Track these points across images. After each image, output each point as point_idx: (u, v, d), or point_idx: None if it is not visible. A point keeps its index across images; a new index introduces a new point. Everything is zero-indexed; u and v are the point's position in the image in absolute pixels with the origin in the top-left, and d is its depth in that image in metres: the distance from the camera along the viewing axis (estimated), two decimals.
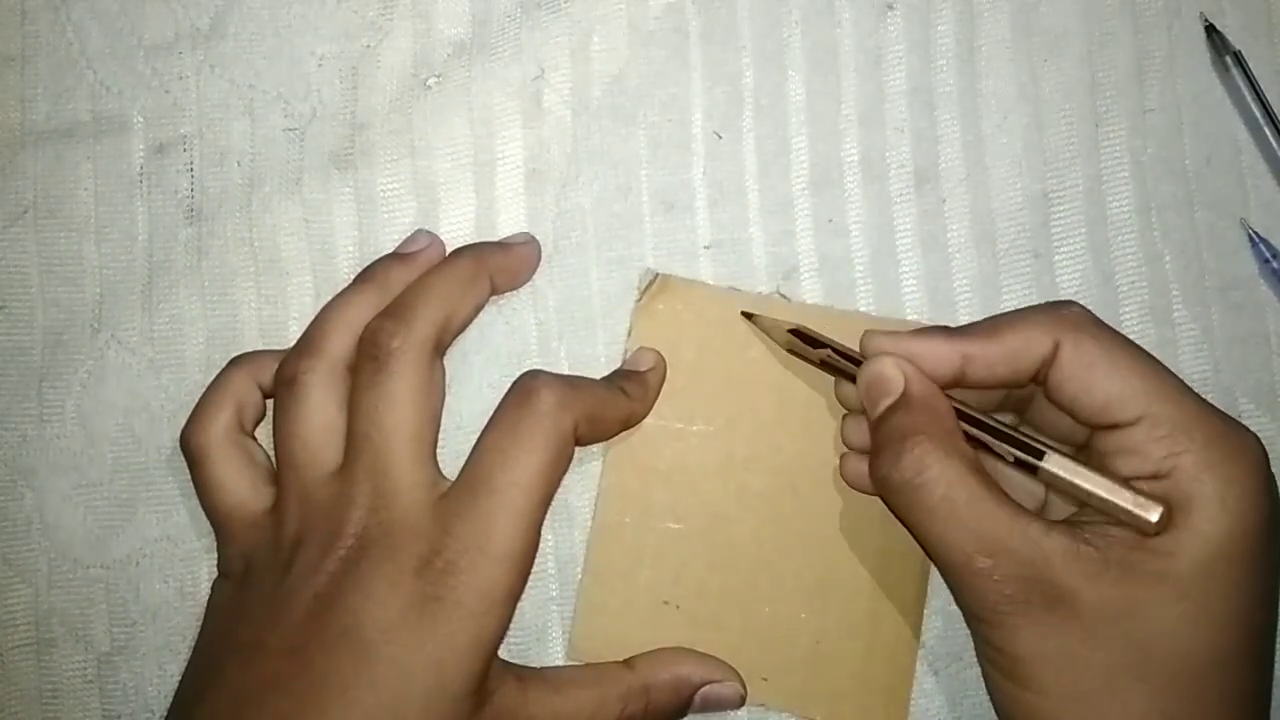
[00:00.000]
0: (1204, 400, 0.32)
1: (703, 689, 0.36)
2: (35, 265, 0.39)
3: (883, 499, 0.34)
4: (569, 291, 0.39)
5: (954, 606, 0.35)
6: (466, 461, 0.34)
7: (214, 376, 0.37)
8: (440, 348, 0.35)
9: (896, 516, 0.33)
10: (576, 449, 0.34)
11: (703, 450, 0.38)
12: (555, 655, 0.38)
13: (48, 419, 0.39)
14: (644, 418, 0.37)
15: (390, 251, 0.38)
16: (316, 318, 0.36)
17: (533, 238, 0.39)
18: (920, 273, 0.39)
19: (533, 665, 0.37)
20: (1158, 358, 0.33)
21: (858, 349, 0.35)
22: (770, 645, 0.37)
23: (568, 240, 0.39)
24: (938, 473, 0.32)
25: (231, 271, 0.39)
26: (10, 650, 0.38)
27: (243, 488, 0.35)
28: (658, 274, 0.39)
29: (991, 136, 0.39)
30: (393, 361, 0.34)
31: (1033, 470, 0.32)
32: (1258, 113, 0.39)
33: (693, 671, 0.36)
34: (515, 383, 0.35)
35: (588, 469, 0.38)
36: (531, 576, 0.33)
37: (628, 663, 0.36)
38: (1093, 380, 0.32)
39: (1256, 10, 0.40)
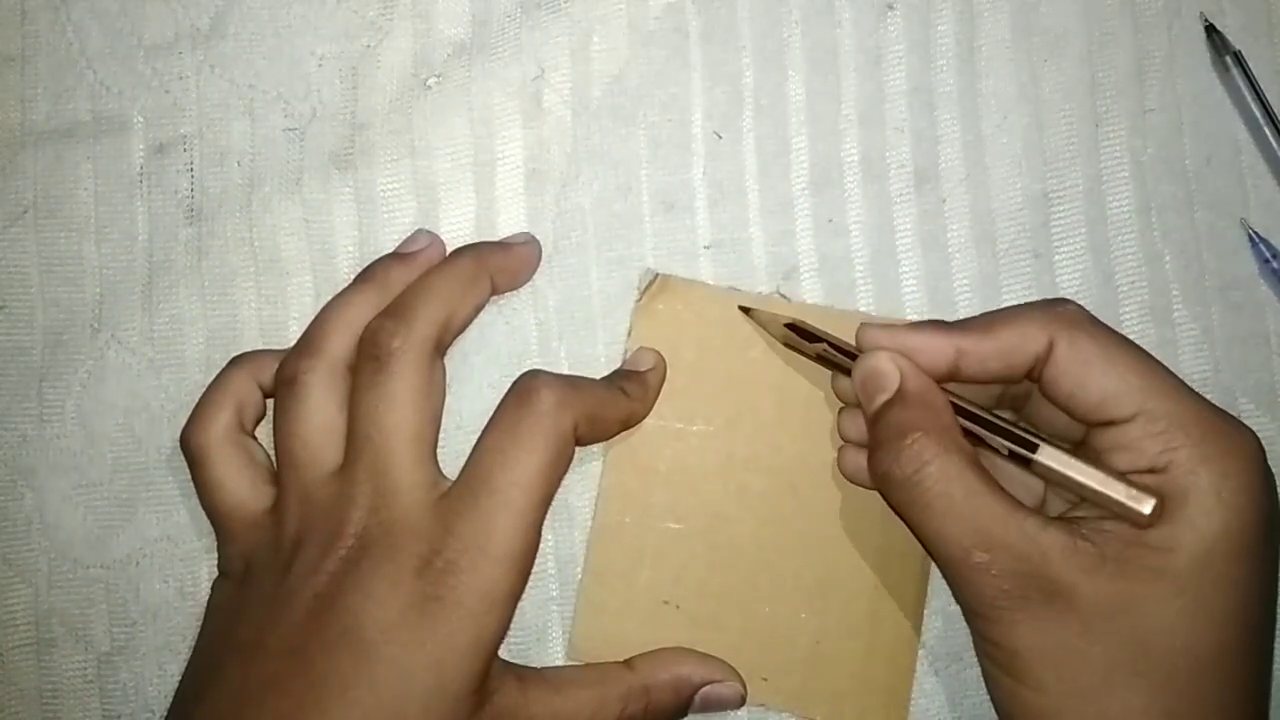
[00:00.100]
0: (1200, 397, 0.32)
1: (703, 689, 0.36)
2: (35, 265, 0.39)
3: (881, 494, 0.34)
4: (569, 291, 0.39)
5: (954, 606, 0.35)
6: (467, 461, 0.34)
7: (214, 376, 0.37)
8: (441, 348, 0.35)
9: (895, 511, 0.33)
10: (576, 449, 0.34)
11: (703, 450, 0.38)
12: (555, 655, 0.38)
13: (48, 419, 0.39)
14: (644, 418, 0.37)
15: (390, 251, 0.38)
16: (317, 317, 0.36)
17: (533, 238, 0.39)
18: (920, 273, 0.39)
19: (533, 665, 0.37)
20: (1158, 357, 0.33)
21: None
22: (770, 645, 0.37)
23: (568, 240, 0.39)
24: (936, 468, 0.32)
25: (231, 271, 0.39)
26: (10, 650, 0.38)
27: (243, 488, 0.35)
28: (658, 274, 0.39)
29: (991, 136, 0.39)
30: (393, 361, 0.34)
31: (1026, 463, 0.32)
32: (1258, 113, 0.39)
33: (693, 671, 0.36)
34: (515, 383, 0.35)
35: (588, 469, 0.38)
36: (531, 576, 0.33)
37: (628, 663, 0.36)
38: (1088, 377, 0.32)
39: (1256, 10, 0.40)
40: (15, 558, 0.38)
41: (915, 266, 0.39)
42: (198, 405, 0.36)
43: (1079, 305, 0.34)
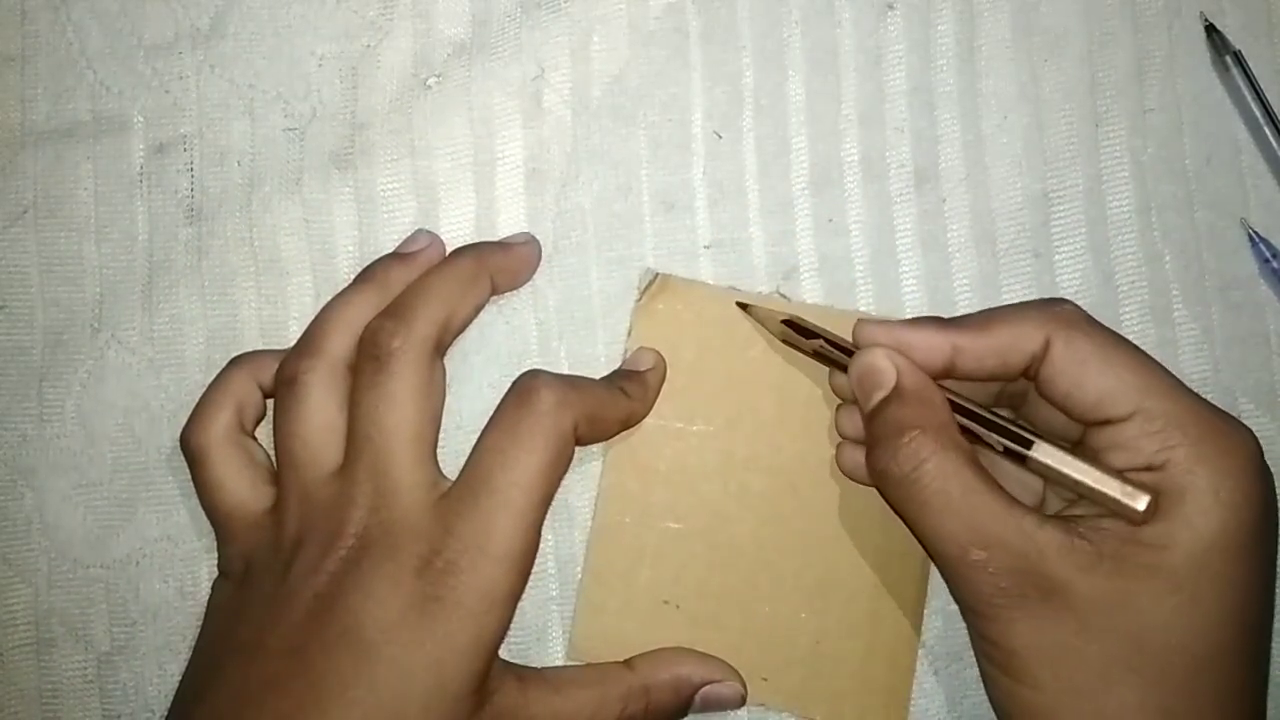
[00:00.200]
0: (1198, 396, 0.32)
1: (703, 689, 0.36)
2: (35, 265, 0.39)
3: (879, 491, 0.34)
4: (569, 291, 0.39)
5: (954, 606, 0.35)
6: (467, 461, 0.34)
7: (214, 376, 0.37)
8: (441, 347, 0.35)
9: (893, 509, 0.33)
10: (576, 449, 0.34)
11: (703, 450, 0.38)
12: (555, 655, 0.38)
13: (48, 419, 0.39)
14: (644, 418, 0.37)
15: (390, 251, 0.38)
16: (317, 317, 0.36)
17: (533, 237, 0.39)
18: (920, 272, 0.39)
19: (533, 665, 0.37)
20: (1158, 357, 0.33)
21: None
22: (770, 645, 0.37)
23: (568, 240, 0.39)
24: (934, 465, 0.32)
25: (231, 271, 0.39)
26: (10, 650, 0.38)
27: (243, 488, 0.35)
28: (658, 274, 0.39)
29: (991, 136, 0.39)
30: (393, 361, 0.34)
31: (1022, 460, 0.32)
32: (1258, 113, 0.39)
33: (693, 671, 0.36)
34: (515, 382, 0.35)
35: (588, 469, 0.38)
36: (531, 576, 0.33)
37: (628, 663, 0.36)
38: (1085, 376, 0.32)
39: (1256, 10, 0.40)
40: (15, 557, 0.38)
41: (915, 266, 0.39)
42: (198, 405, 0.36)
43: (1076, 305, 0.34)
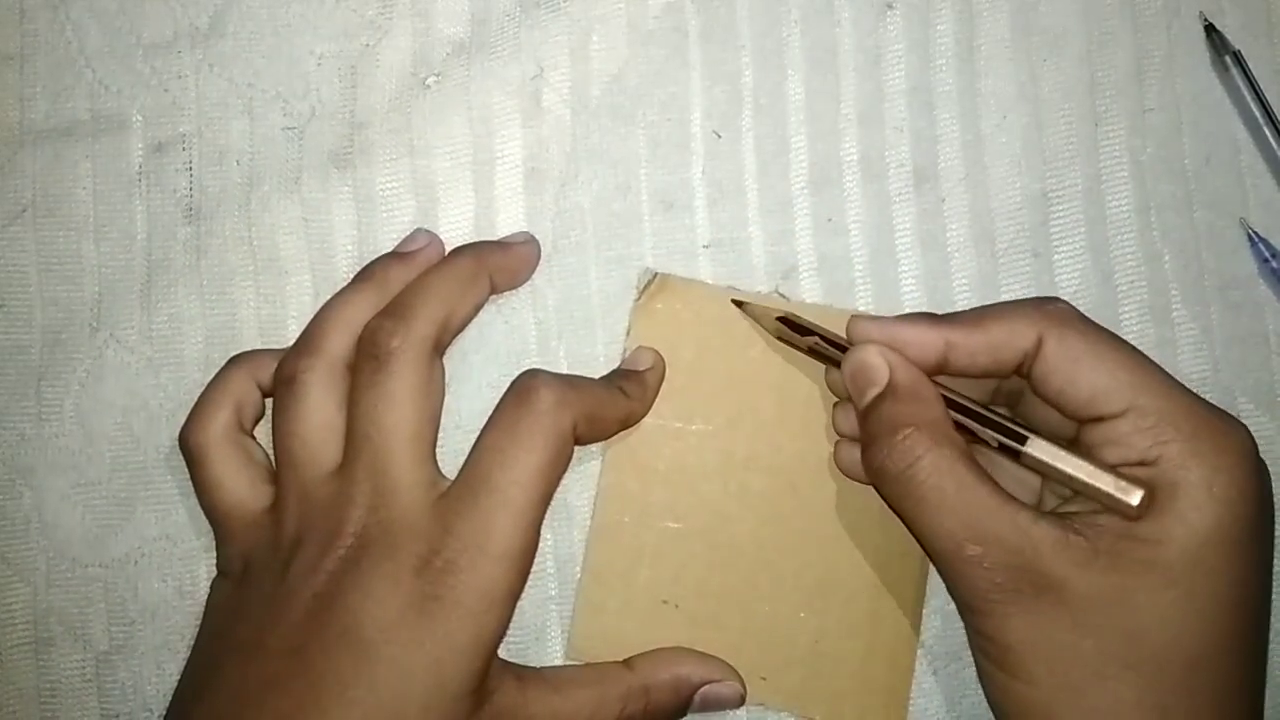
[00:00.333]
0: (1191, 392, 0.32)
1: (702, 689, 0.36)
2: (34, 264, 0.39)
3: (876, 488, 0.34)
4: (568, 291, 0.39)
5: (953, 606, 0.35)
6: (466, 461, 0.34)
7: (213, 375, 0.37)
8: (440, 347, 0.35)
9: (889, 506, 0.34)
10: (576, 448, 0.34)
11: (702, 449, 0.38)
12: (554, 655, 0.38)
13: (46, 418, 0.39)
14: (643, 417, 0.37)
15: (389, 250, 0.38)
16: (315, 317, 0.36)
17: (532, 237, 0.39)
18: (919, 272, 0.39)
19: (532, 665, 0.36)
20: (1157, 357, 0.33)
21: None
22: (770, 645, 0.37)
23: (567, 239, 0.39)
24: (928, 462, 0.32)
25: (230, 270, 0.39)
26: (8, 649, 0.38)
27: (241, 487, 0.35)
28: (657, 273, 0.39)
29: (991, 136, 0.39)
30: (392, 361, 0.34)
31: (1016, 455, 0.33)
32: (1257, 113, 0.39)
33: (692, 671, 0.36)
34: (514, 382, 0.35)
35: (587, 468, 0.38)
36: (530, 576, 0.33)
37: (627, 662, 0.36)
38: (1078, 373, 0.32)
39: (1256, 10, 0.40)
40: (14, 557, 0.38)
41: (914, 266, 0.39)
42: (196, 404, 0.36)
43: (1068, 303, 0.34)
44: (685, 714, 0.36)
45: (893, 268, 0.39)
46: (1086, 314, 0.34)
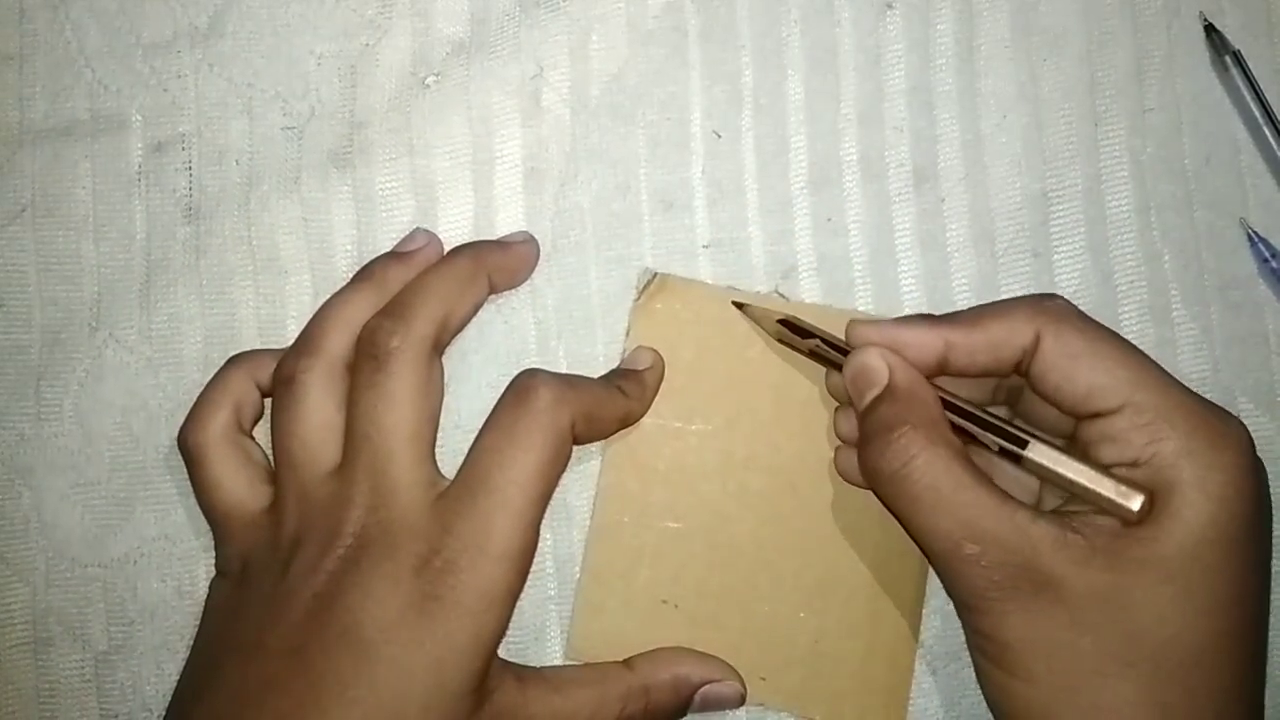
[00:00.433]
0: (1188, 389, 0.32)
1: (702, 689, 0.36)
2: (33, 264, 0.39)
3: (873, 490, 0.34)
4: (567, 290, 0.39)
5: (952, 606, 0.35)
6: (465, 460, 0.34)
7: (212, 375, 0.37)
8: (439, 347, 0.35)
9: (886, 507, 0.34)
10: (575, 448, 0.34)
11: (701, 449, 0.38)
12: (554, 654, 0.38)
13: (45, 418, 0.39)
14: (642, 417, 0.37)
15: (388, 250, 0.38)
16: (315, 317, 0.36)
17: (531, 236, 0.39)
18: (919, 272, 0.39)
19: (531, 665, 0.36)
20: (1157, 357, 0.33)
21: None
22: (769, 645, 0.37)
23: (566, 239, 0.39)
24: (923, 461, 0.32)
25: (230, 270, 0.39)
26: (8, 649, 0.38)
27: (240, 487, 0.35)
28: (656, 273, 0.39)
29: (990, 136, 0.39)
30: (391, 361, 0.34)
31: (1017, 459, 0.33)
32: (1257, 113, 0.39)
33: (692, 671, 0.36)
34: (513, 381, 0.35)
35: (586, 468, 0.38)
36: (530, 576, 0.33)
37: (627, 662, 0.36)
38: (1075, 370, 0.32)
39: (1256, 10, 0.40)
40: (13, 556, 0.38)
41: (914, 266, 0.39)
42: (195, 404, 0.36)
43: (1066, 300, 0.34)
44: (685, 714, 0.36)
45: (892, 268, 0.39)
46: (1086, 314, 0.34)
